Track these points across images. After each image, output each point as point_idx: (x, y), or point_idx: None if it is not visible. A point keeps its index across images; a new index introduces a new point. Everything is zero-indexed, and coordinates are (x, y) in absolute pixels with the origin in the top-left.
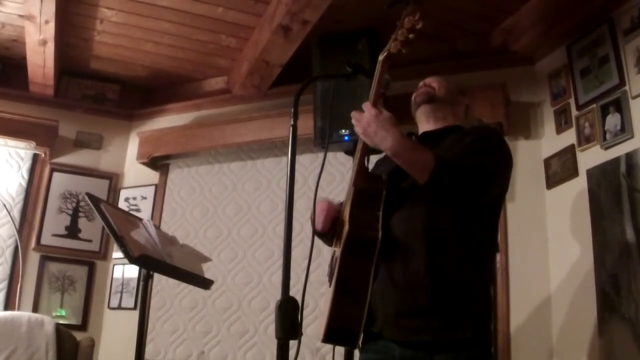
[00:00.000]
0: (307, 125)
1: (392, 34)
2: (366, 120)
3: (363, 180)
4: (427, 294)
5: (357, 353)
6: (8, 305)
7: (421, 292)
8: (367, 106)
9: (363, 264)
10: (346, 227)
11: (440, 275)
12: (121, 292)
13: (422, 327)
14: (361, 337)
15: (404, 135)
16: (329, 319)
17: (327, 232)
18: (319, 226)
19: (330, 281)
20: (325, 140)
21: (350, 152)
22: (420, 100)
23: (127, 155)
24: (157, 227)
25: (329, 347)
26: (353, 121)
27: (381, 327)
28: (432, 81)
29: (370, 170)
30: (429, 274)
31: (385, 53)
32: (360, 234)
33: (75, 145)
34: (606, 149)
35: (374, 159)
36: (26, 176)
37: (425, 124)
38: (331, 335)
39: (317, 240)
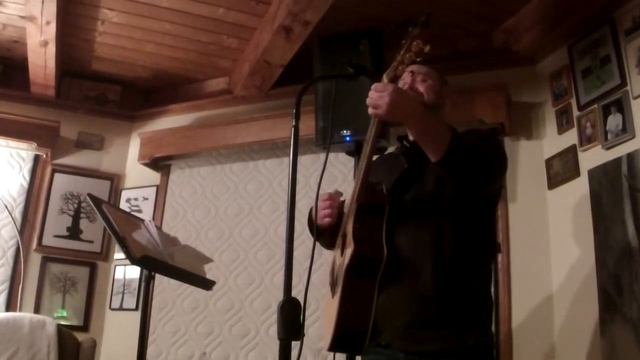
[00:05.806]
0: (308, 125)
1: (397, 54)
2: (389, 94)
3: (366, 196)
4: (436, 306)
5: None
6: (9, 307)
7: (430, 304)
8: (386, 85)
9: (367, 283)
10: (351, 246)
11: (448, 286)
12: (123, 293)
13: (433, 336)
14: (367, 344)
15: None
16: (335, 329)
17: (327, 230)
18: (325, 220)
19: (332, 291)
20: (326, 140)
21: (351, 153)
22: None
23: (129, 156)
24: (159, 228)
25: None
26: (375, 95)
27: (390, 340)
28: (419, 84)
29: (370, 174)
30: (436, 285)
31: (392, 74)
32: (366, 254)
33: (77, 146)
34: (608, 149)
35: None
36: (27, 177)
37: None
38: (337, 344)
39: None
